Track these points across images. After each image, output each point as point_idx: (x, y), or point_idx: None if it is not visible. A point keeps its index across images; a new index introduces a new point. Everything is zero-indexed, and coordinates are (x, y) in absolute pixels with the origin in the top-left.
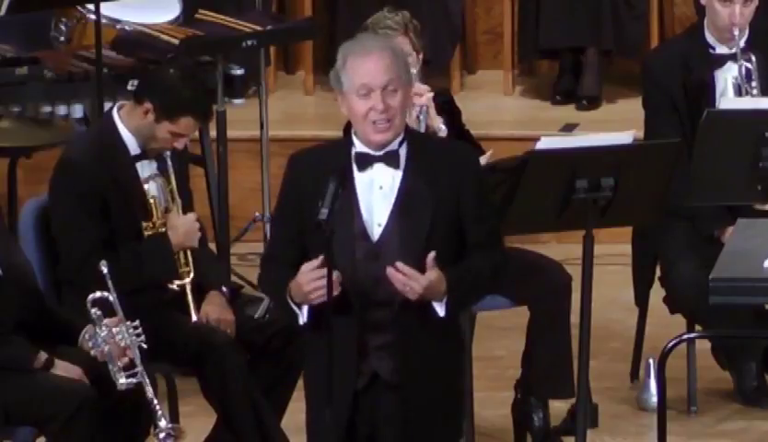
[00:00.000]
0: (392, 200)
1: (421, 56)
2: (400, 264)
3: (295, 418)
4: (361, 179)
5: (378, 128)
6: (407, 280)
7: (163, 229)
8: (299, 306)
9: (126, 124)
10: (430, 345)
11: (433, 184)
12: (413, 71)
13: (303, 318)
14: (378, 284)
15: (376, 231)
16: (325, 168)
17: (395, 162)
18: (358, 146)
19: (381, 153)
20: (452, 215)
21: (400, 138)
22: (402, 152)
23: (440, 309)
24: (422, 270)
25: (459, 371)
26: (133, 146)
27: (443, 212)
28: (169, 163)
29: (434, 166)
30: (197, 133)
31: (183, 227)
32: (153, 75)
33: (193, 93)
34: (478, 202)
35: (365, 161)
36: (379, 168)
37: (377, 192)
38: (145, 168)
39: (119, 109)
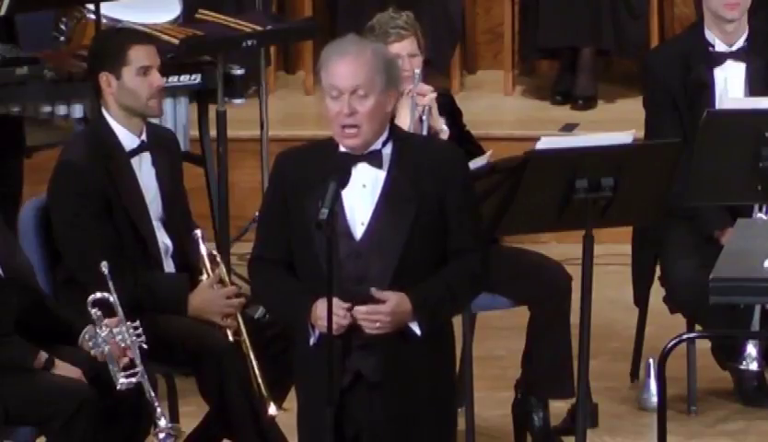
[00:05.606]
0: (375, 199)
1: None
2: (360, 307)
3: (294, 418)
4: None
5: (345, 133)
6: (372, 316)
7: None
8: (312, 327)
9: (115, 116)
10: (415, 346)
11: (417, 184)
12: (417, 72)
13: (314, 339)
14: (361, 282)
15: (358, 230)
16: (312, 167)
17: (378, 162)
18: (341, 147)
19: (364, 152)
20: (436, 216)
21: (383, 138)
22: (386, 151)
23: (416, 328)
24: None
25: (450, 374)
26: (127, 141)
27: (426, 212)
28: (202, 247)
29: (419, 165)
30: (197, 133)
31: (203, 303)
32: (85, 57)
33: (117, 31)
34: (463, 204)
35: (348, 161)
36: (363, 166)
37: (360, 191)
38: (142, 163)
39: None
